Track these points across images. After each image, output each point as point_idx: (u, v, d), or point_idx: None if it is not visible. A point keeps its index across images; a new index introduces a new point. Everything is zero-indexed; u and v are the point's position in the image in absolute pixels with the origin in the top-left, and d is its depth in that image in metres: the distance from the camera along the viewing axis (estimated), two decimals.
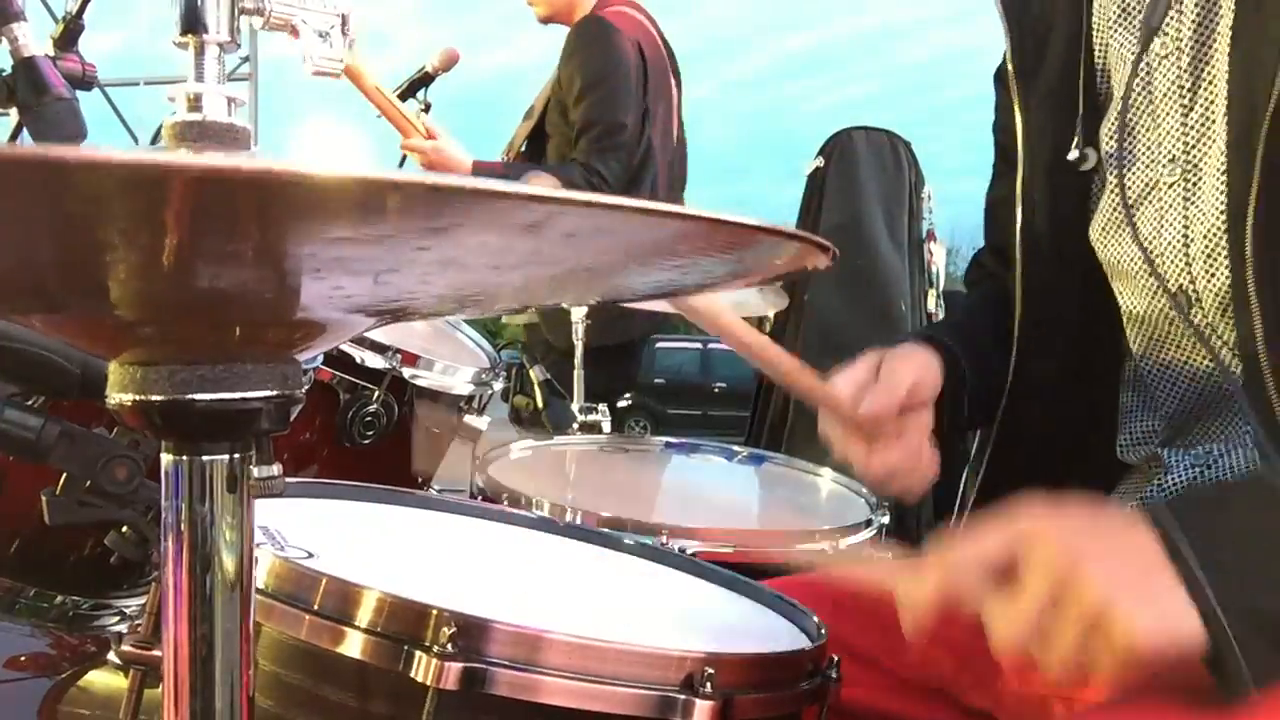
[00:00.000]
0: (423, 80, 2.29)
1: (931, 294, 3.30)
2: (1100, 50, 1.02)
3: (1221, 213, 0.88)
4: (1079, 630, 0.67)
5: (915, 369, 0.99)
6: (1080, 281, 1.04)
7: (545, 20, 2.83)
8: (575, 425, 1.99)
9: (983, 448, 1.13)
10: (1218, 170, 0.88)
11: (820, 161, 3.32)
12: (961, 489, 1.22)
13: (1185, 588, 0.67)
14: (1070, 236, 1.03)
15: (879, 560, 0.75)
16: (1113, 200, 0.98)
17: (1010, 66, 1.07)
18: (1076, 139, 1.01)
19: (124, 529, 1.02)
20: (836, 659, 0.77)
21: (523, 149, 2.88)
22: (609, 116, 2.59)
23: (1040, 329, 1.07)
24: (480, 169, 2.45)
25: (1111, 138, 0.98)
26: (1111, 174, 0.98)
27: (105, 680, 1.19)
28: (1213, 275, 0.90)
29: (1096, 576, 0.67)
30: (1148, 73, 0.95)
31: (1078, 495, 1.06)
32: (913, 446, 0.97)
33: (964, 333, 1.09)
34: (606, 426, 2.06)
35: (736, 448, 1.95)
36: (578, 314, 2.21)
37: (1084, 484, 1.07)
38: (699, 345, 15.48)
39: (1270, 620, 0.67)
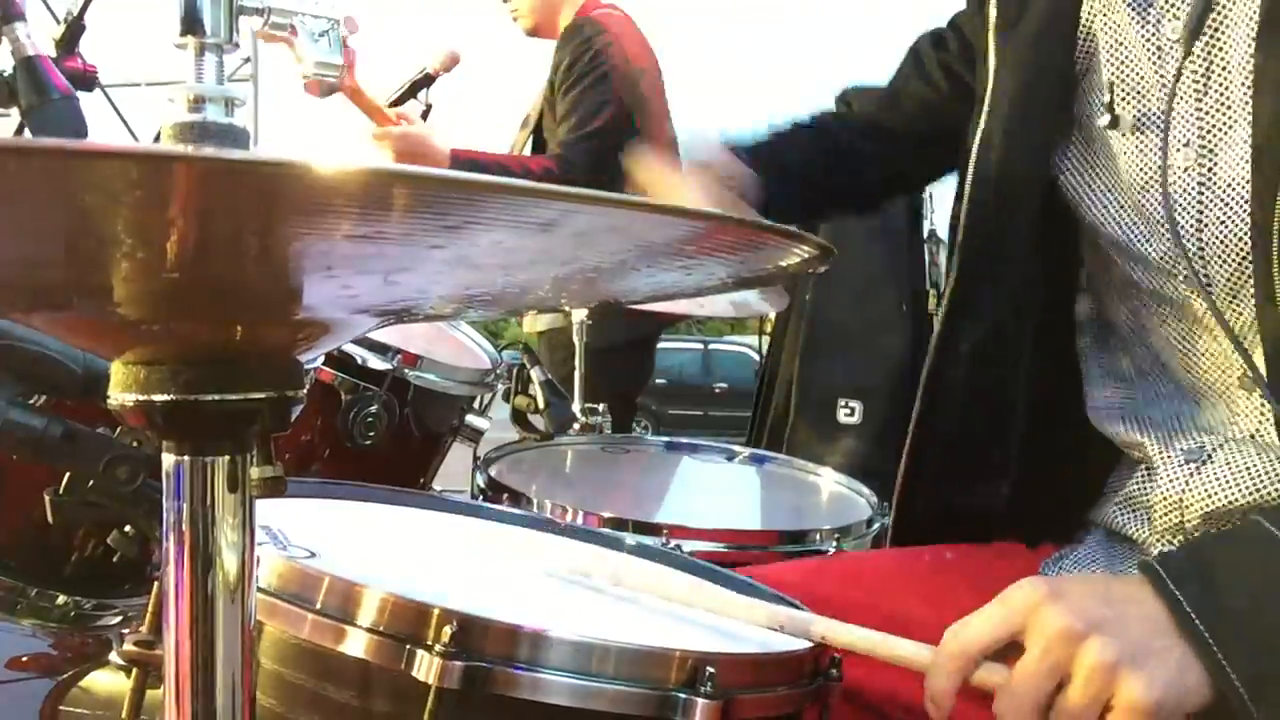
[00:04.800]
0: (424, 81, 2.29)
1: (932, 294, 3.30)
2: (1086, 20, 1.01)
3: (1244, 202, 0.87)
4: (1086, 697, 0.68)
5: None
6: (1024, 242, 1.05)
7: (531, 33, 2.85)
8: (576, 425, 1.99)
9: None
10: (1240, 160, 0.88)
11: None
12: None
13: (1192, 647, 0.69)
14: (1022, 191, 1.04)
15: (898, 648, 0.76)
16: (1130, 181, 0.97)
17: (993, 10, 1.07)
18: (1108, 102, 0.99)
19: (126, 529, 1.02)
20: (837, 658, 0.77)
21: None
22: (583, 110, 2.60)
23: (978, 281, 1.09)
24: (460, 159, 2.42)
25: (1127, 121, 0.97)
26: (1124, 153, 0.97)
27: (107, 680, 1.20)
28: (1225, 261, 0.89)
29: (1102, 641, 0.68)
30: (1160, 57, 0.94)
31: (1043, 474, 1.08)
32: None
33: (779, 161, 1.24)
34: (608, 427, 2.06)
35: (737, 448, 1.95)
36: (578, 314, 2.22)
37: (1053, 461, 1.08)
38: (700, 345, 15.49)
39: (1275, 677, 0.69)
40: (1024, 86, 1.04)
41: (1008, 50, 1.05)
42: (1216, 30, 0.89)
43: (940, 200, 3.43)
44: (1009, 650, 0.72)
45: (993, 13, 1.07)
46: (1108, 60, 0.99)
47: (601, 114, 2.60)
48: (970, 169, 1.07)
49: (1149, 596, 0.72)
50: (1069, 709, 0.68)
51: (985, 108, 1.07)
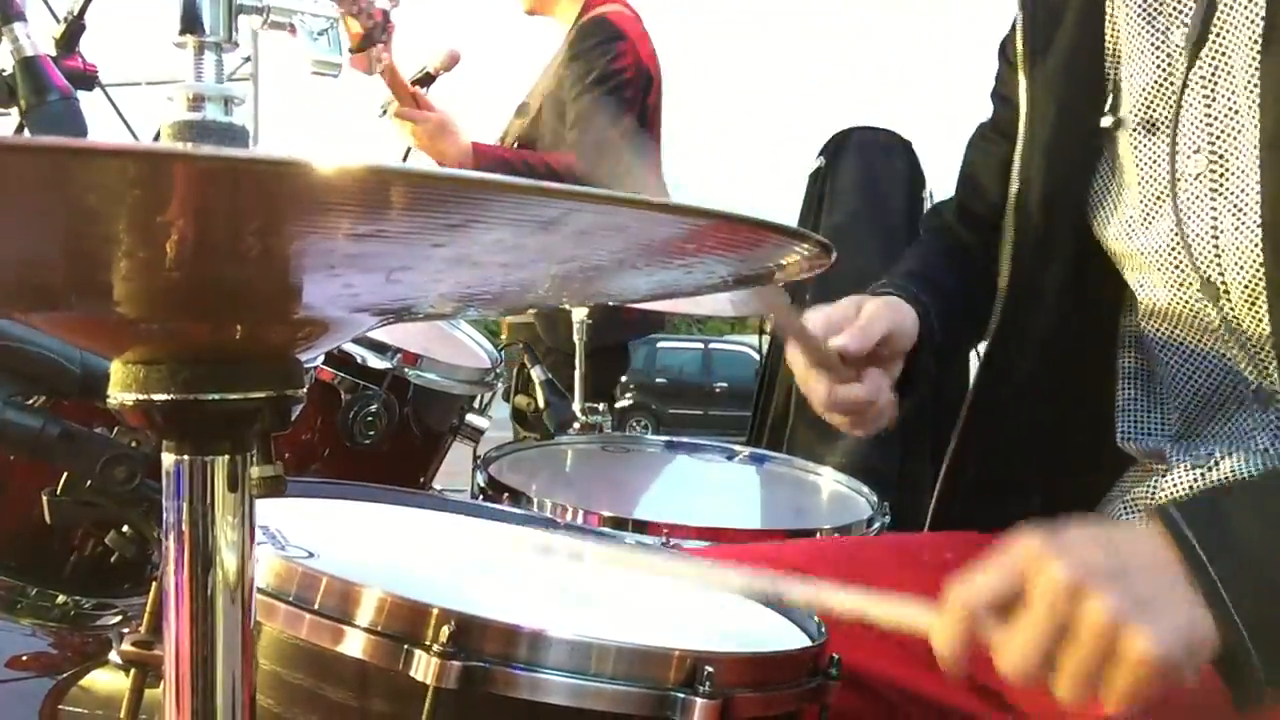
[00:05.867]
0: (424, 81, 2.29)
1: None
2: (1111, 36, 1.01)
3: (1255, 208, 0.87)
4: (1091, 652, 0.65)
5: (893, 320, 0.99)
6: (1070, 262, 1.04)
7: (531, 12, 2.84)
8: (577, 425, 1.99)
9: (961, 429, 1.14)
10: (1250, 166, 0.87)
11: (820, 161, 3.32)
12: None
13: (1202, 596, 0.66)
14: (1062, 217, 1.04)
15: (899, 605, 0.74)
16: (1144, 191, 0.97)
17: (1020, 43, 1.07)
18: (1112, 103, 1.00)
19: (124, 529, 1.02)
20: (837, 658, 0.77)
21: (515, 146, 2.88)
22: (603, 115, 2.58)
23: (1025, 307, 1.08)
24: (481, 152, 2.40)
25: (1135, 128, 0.98)
26: (1136, 164, 0.97)
27: (107, 680, 1.20)
28: (1241, 268, 0.89)
29: (1107, 596, 0.65)
30: (1169, 65, 0.94)
31: (1067, 486, 1.07)
32: (873, 388, 0.97)
33: (933, 286, 1.09)
34: (608, 426, 2.06)
35: (737, 447, 1.95)
36: (578, 314, 2.22)
37: (1077, 473, 1.08)
38: (700, 345, 15.49)
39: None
40: (1060, 108, 1.04)
41: (1039, 78, 1.05)
42: (1220, 36, 0.89)
43: (939, 198, 3.43)
44: (1016, 605, 0.70)
45: (1020, 46, 1.07)
46: (1123, 65, 0.99)
47: (617, 126, 2.58)
48: (1011, 201, 1.07)
49: (1159, 543, 0.69)
50: (1073, 664, 0.66)
51: (1021, 140, 1.06)
